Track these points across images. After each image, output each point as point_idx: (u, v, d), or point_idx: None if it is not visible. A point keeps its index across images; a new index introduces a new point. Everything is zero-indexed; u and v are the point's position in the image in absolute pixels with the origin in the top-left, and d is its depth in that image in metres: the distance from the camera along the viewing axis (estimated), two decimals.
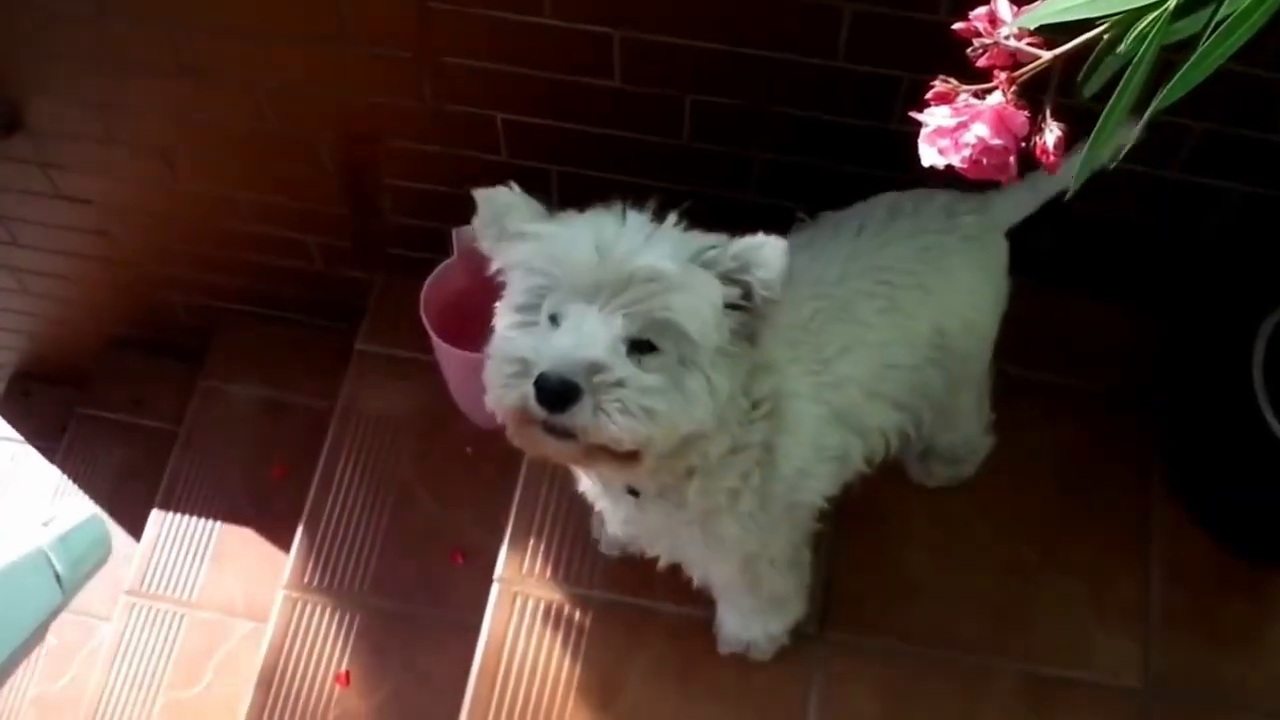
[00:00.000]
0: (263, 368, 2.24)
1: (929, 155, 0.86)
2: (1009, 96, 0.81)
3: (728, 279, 1.03)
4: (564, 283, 1.01)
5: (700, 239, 1.04)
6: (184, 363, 2.34)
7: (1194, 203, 1.55)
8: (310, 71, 1.60)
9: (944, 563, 1.58)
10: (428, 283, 1.77)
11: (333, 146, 1.74)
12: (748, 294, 1.04)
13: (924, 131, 0.86)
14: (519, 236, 1.05)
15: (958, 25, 0.83)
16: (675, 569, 1.36)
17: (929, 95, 0.85)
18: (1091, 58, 0.85)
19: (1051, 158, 0.84)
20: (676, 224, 1.05)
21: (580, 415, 0.97)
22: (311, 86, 1.63)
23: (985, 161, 0.83)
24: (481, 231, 1.09)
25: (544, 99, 1.44)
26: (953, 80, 0.85)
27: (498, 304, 1.09)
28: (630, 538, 1.41)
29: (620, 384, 0.97)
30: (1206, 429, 1.56)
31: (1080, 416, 1.67)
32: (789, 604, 1.45)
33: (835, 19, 1.37)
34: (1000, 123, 0.80)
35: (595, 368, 0.97)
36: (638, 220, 1.03)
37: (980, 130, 0.80)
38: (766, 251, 1.02)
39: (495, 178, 1.73)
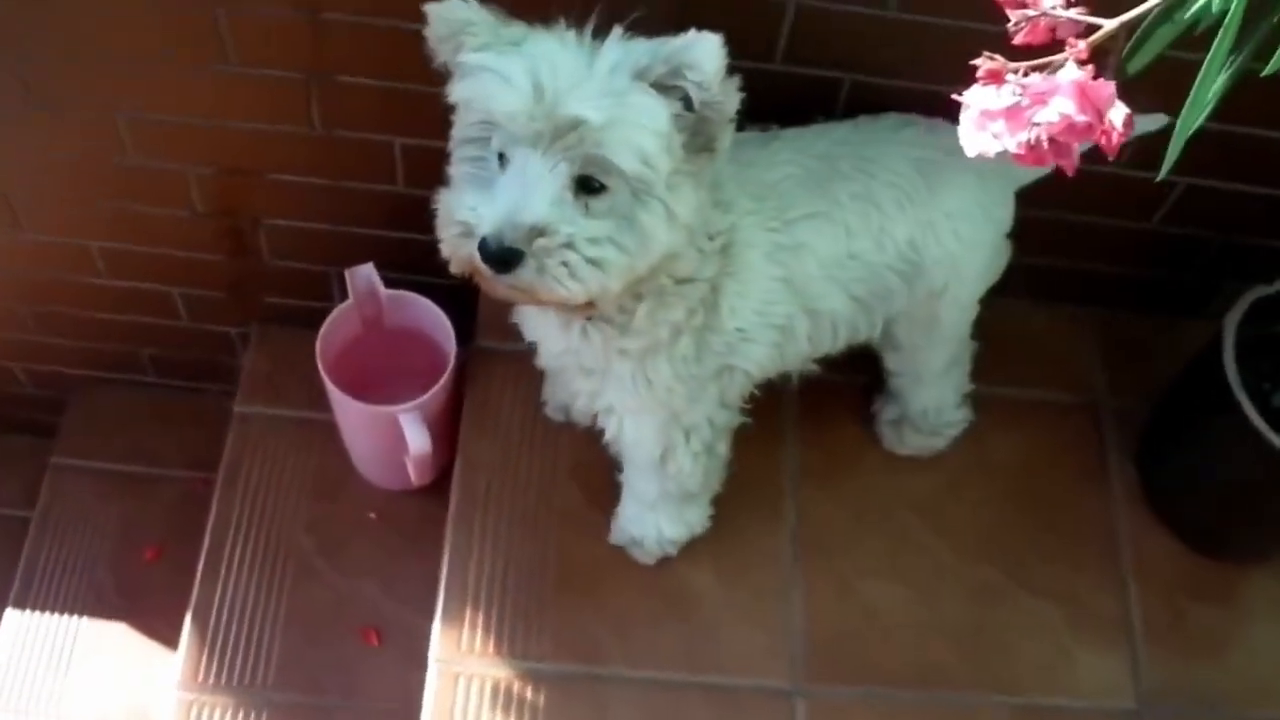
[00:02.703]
0: (123, 439, 2.00)
1: (978, 142, 0.75)
2: (1085, 69, 0.71)
3: (664, 88, 0.96)
4: (505, 126, 0.98)
5: (635, 52, 0.97)
6: (31, 438, 2.09)
7: (1135, 199, 1.50)
8: (179, 97, 1.41)
9: (911, 593, 1.48)
10: (323, 330, 1.59)
11: (204, 183, 1.54)
12: (689, 100, 0.97)
13: (967, 115, 0.75)
14: (461, 70, 1.01)
15: None
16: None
17: (979, 74, 0.74)
18: (1140, 29, 0.76)
19: (1116, 137, 0.74)
20: (622, 36, 0.98)
21: (524, 276, 0.98)
22: (180, 114, 1.44)
23: (1052, 144, 0.73)
24: (438, 50, 1.03)
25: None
26: (998, 56, 0.75)
27: (451, 132, 1.06)
28: (562, 371, 1.34)
29: (566, 245, 0.97)
30: (1177, 427, 1.51)
31: (1030, 428, 1.60)
32: (691, 506, 1.40)
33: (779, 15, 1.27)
34: (1084, 96, 0.69)
35: (537, 230, 0.96)
36: (576, 51, 0.97)
37: (1064, 105, 0.69)
38: (697, 50, 0.95)
39: (388, 211, 1.59)
